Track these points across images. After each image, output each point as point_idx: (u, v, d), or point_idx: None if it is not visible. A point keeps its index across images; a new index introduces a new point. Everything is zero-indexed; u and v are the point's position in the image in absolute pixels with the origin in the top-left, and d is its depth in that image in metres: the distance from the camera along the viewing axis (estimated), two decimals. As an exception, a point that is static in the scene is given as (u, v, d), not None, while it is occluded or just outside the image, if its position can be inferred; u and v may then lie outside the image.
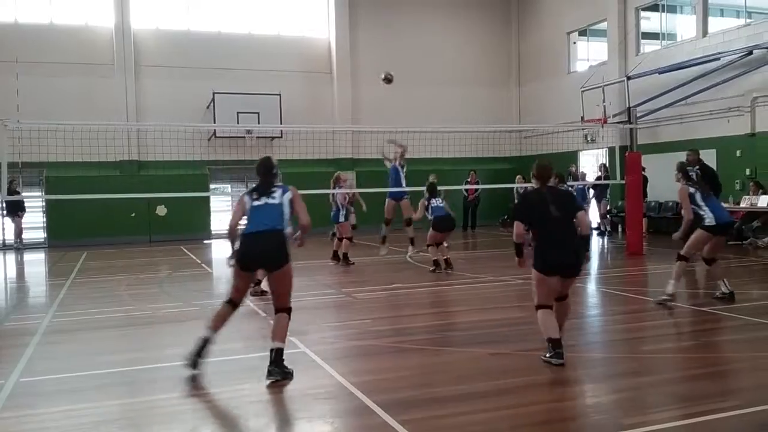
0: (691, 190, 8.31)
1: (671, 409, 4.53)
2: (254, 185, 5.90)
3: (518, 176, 16.78)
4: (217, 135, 20.31)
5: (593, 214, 19.54)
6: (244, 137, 20.14)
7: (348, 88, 22.47)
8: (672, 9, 19.26)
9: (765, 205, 14.38)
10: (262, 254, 5.60)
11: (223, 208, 21.79)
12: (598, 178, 18.75)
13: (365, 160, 21.01)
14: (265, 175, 5.86)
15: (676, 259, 8.25)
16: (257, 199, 5.72)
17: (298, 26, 22.40)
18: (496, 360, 5.95)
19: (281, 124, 19.90)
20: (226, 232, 6.07)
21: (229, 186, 22.18)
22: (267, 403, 4.93)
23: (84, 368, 5.98)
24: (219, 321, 5.79)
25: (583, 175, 19.79)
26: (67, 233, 18.81)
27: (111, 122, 18.64)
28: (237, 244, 5.72)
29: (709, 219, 8.08)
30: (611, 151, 17.27)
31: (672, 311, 7.89)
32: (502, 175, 22.26)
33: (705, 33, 17.14)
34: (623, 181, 14.32)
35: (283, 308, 5.72)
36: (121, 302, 9.53)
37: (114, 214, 18.98)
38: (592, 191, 19.11)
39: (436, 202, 11.91)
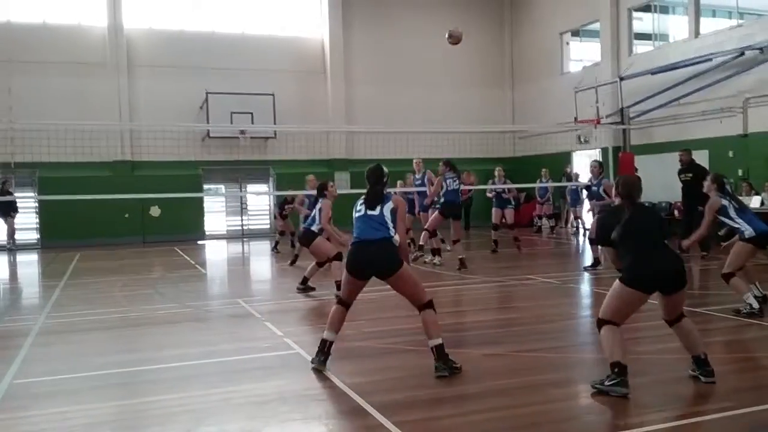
0: (724, 202, 7.67)
1: (664, 410, 4.55)
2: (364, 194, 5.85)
3: (498, 168, 15.57)
4: (211, 135, 20.28)
5: (587, 214, 19.63)
6: (238, 137, 20.12)
7: (342, 88, 22.46)
8: (664, 10, 19.35)
9: (758, 205, 14.43)
10: (369, 263, 5.61)
11: (217, 208, 21.78)
12: (592, 179, 18.80)
13: (360, 160, 21.03)
14: (374, 184, 5.81)
15: (726, 280, 7.72)
16: (359, 210, 5.74)
17: (291, 26, 22.40)
18: (490, 361, 5.97)
19: (275, 124, 19.90)
20: None
21: (222, 186, 22.16)
22: (261, 404, 4.93)
23: (78, 370, 5.97)
24: (336, 323, 5.80)
25: (577, 176, 19.87)
26: (60, 234, 18.75)
27: (104, 122, 18.60)
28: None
29: (748, 231, 7.52)
30: (604, 152, 17.33)
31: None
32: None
33: (697, 34, 17.21)
34: (616, 182, 14.34)
35: (422, 305, 5.64)
36: (115, 303, 9.51)
37: (107, 215, 18.92)
38: (585, 192, 19.17)
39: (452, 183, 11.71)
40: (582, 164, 21.14)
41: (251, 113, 19.67)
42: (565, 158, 20.88)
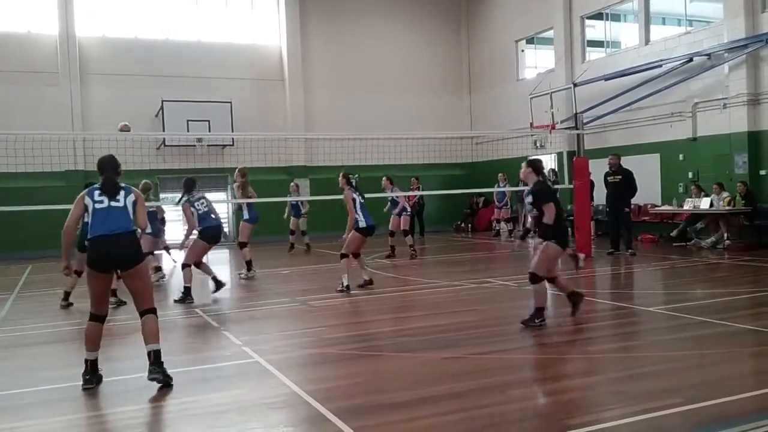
0: (354, 196, 9.98)
1: (618, 407, 4.64)
2: (97, 185, 5.76)
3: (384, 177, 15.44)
4: (167, 144, 19.99)
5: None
6: (195, 146, 19.90)
7: (300, 95, 22.40)
8: (616, 17, 19.78)
9: (707, 207, 14.83)
10: (111, 255, 5.54)
11: (173, 217, 21.41)
12: (548, 183, 19.06)
13: (318, 167, 21.00)
14: (110, 173, 5.76)
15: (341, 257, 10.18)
16: (100, 201, 5.61)
17: (248, 34, 22.26)
18: (449, 364, 6.01)
19: (232, 131, 19.73)
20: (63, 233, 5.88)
21: (179, 195, 21.78)
22: (219, 414, 4.87)
23: (29, 384, 5.82)
24: (94, 341, 5.70)
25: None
26: (11, 246, 18.24)
27: (56, 131, 18.17)
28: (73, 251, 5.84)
29: (362, 222, 9.95)
30: (559, 156, 17.62)
31: (619, 312, 8.07)
32: (455, 181, 22.53)
33: (647, 41, 17.63)
34: (571, 186, 14.60)
35: (146, 309, 5.66)
36: (68, 316, 9.31)
37: (60, 226, 18.30)
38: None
39: (201, 207, 11.21)
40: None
41: (208, 121, 19.47)
42: (522, 163, 21.11)
